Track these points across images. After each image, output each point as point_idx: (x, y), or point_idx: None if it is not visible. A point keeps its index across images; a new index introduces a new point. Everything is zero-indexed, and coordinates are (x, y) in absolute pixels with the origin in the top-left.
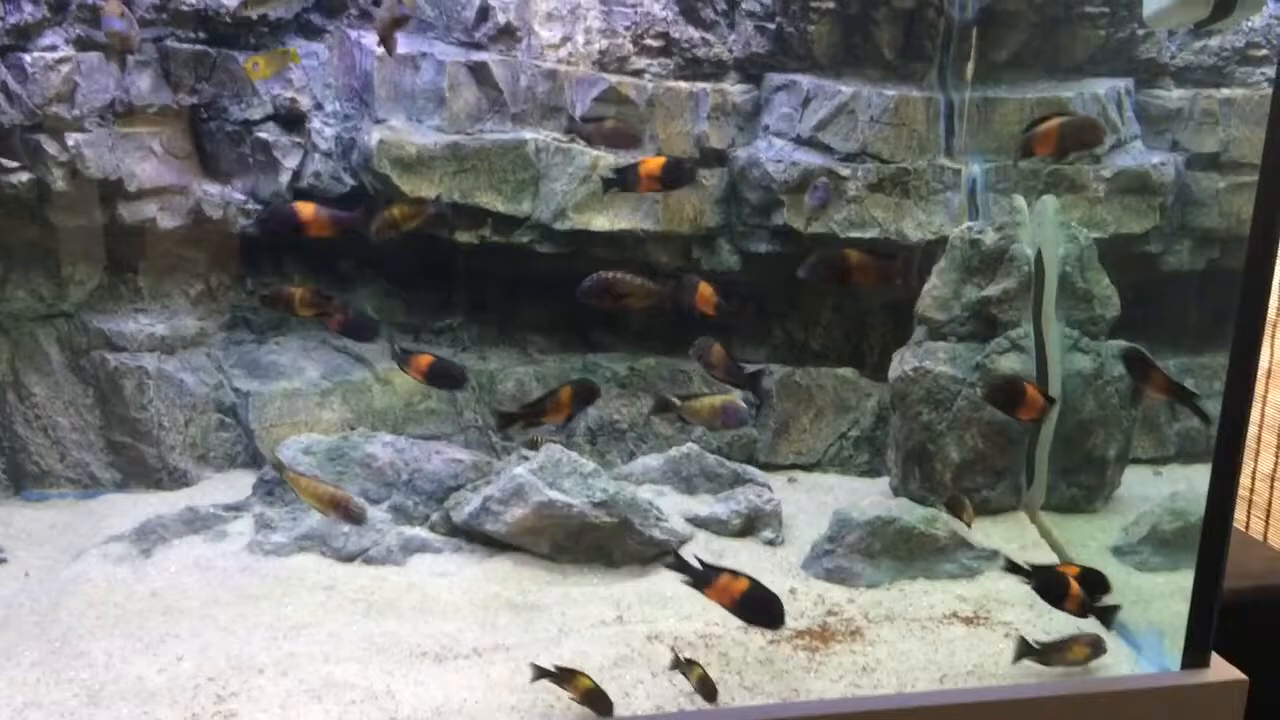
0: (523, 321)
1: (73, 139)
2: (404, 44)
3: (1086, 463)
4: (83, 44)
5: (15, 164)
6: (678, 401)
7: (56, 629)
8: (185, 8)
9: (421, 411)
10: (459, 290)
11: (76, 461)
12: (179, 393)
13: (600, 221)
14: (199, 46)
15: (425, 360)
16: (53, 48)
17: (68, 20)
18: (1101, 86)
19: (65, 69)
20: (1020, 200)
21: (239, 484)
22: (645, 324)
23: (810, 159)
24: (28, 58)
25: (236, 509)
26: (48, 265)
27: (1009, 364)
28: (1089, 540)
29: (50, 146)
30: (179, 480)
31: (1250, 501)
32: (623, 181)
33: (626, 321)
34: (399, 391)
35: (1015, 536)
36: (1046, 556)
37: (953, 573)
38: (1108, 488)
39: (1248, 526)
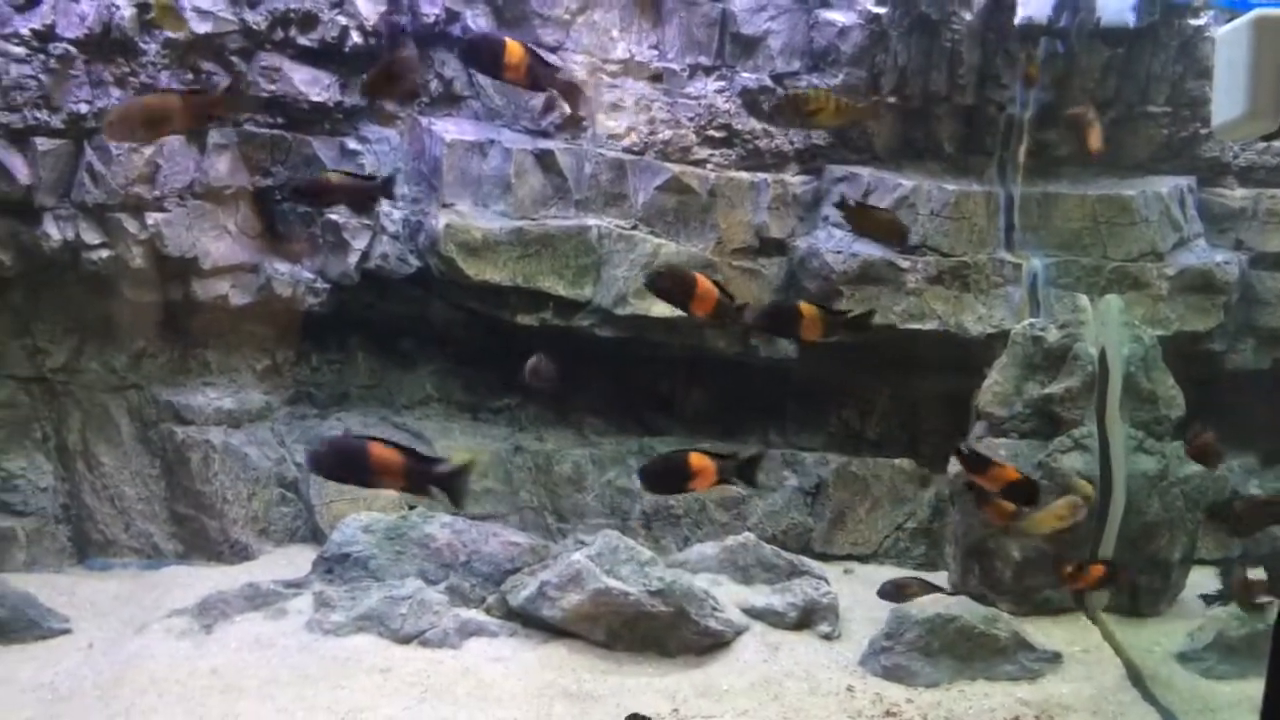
0: (579, 404)
1: (152, 218)
2: (472, 131)
3: (1151, 565)
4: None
5: (97, 241)
6: None
7: (118, 704)
8: (264, 94)
9: (479, 491)
10: (517, 371)
11: (140, 532)
12: (243, 467)
13: (660, 308)
14: (276, 131)
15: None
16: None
17: None
18: (1164, 185)
19: (148, 151)
20: (1084, 299)
21: (298, 559)
22: (700, 408)
23: (870, 251)
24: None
25: (297, 586)
26: (121, 339)
27: (1072, 463)
28: (1153, 645)
29: (130, 225)
30: (240, 554)
31: None
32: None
33: (682, 405)
34: None
35: (1077, 638)
36: (1109, 660)
37: (1013, 674)
38: (1172, 591)
39: None
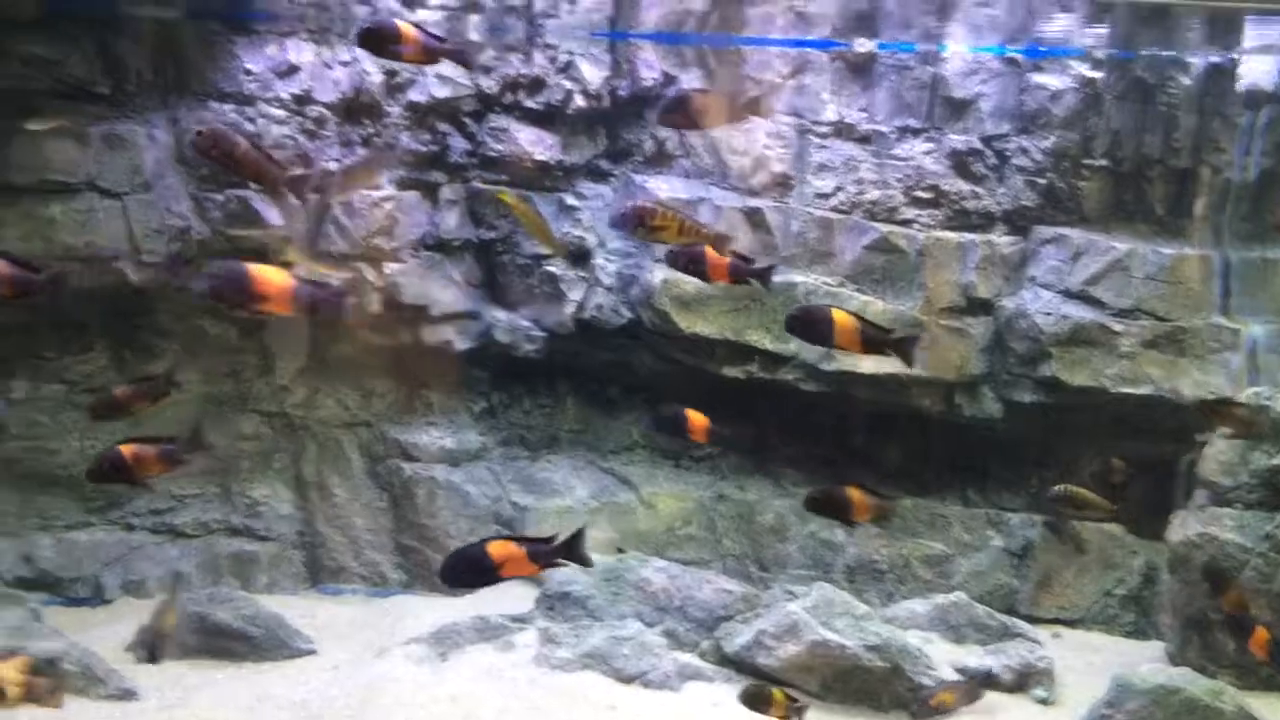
0: (778, 455)
1: (390, 268)
2: (683, 188)
3: None
4: (404, 184)
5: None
6: None
7: None
8: (492, 153)
9: (681, 537)
10: (720, 421)
11: (369, 560)
12: (464, 503)
13: (866, 364)
14: (500, 188)
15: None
16: (378, 186)
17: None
18: None
19: (388, 206)
20: None
21: (515, 595)
22: (898, 463)
23: (1081, 313)
24: (356, 196)
25: (522, 621)
26: (354, 378)
27: None
28: None
29: (370, 274)
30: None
31: None
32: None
33: (882, 459)
34: (661, 516)
35: None
36: None
37: None
38: None
39: None
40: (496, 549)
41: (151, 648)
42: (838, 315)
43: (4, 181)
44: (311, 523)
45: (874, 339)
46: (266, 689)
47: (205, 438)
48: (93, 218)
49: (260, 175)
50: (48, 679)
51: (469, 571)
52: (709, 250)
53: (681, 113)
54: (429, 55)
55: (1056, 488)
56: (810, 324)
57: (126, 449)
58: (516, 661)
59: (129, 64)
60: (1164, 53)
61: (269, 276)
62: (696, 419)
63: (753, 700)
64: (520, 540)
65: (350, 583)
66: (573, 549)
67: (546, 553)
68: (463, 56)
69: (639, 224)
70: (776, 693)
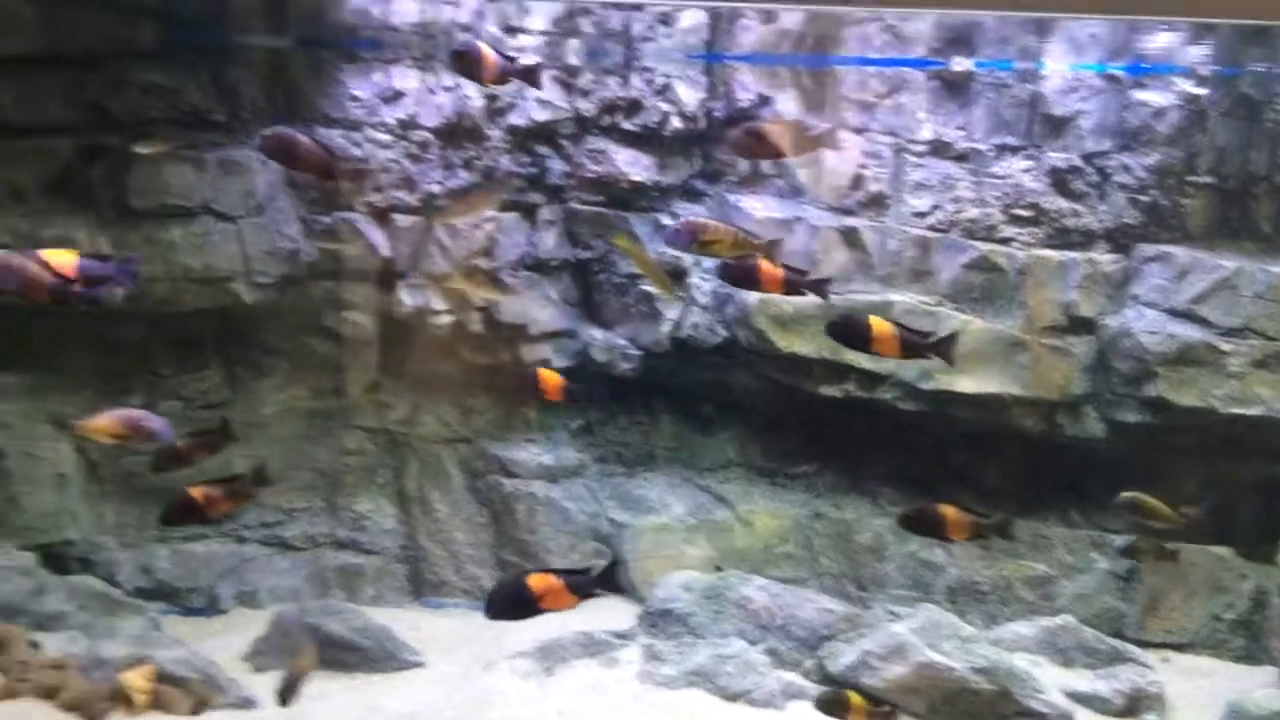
0: (874, 473)
1: (489, 288)
2: (779, 208)
3: None
4: (504, 205)
5: (442, 307)
6: None
7: None
8: (589, 174)
9: (779, 555)
10: (815, 439)
11: (470, 575)
12: (563, 519)
13: (966, 384)
14: (598, 208)
15: None
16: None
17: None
18: None
19: (489, 227)
20: None
21: (615, 611)
22: (997, 483)
23: (1187, 332)
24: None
25: (625, 637)
26: (454, 395)
27: None
28: None
29: (470, 294)
30: None
31: None
32: None
33: (979, 478)
34: (758, 533)
35: None
36: None
37: None
38: None
39: None
40: (536, 581)
41: (285, 691)
42: (875, 322)
43: (126, 206)
44: (414, 537)
45: (913, 344)
46: (377, 700)
47: (269, 472)
48: (209, 240)
49: (322, 169)
50: (185, 691)
51: (510, 604)
52: (762, 262)
53: (750, 141)
54: (502, 76)
55: (1124, 495)
56: (849, 330)
57: (196, 491)
58: (621, 677)
59: (243, 92)
60: (1271, 69)
61: (55, 258)
62: (550, 378)
63: (829, 706)
64: (559, 573)
65: (452, 596)
66: (609, 580)
67: (585, 584)
68: (532, 76)
69: (691, 239)
70: (854, 697)
